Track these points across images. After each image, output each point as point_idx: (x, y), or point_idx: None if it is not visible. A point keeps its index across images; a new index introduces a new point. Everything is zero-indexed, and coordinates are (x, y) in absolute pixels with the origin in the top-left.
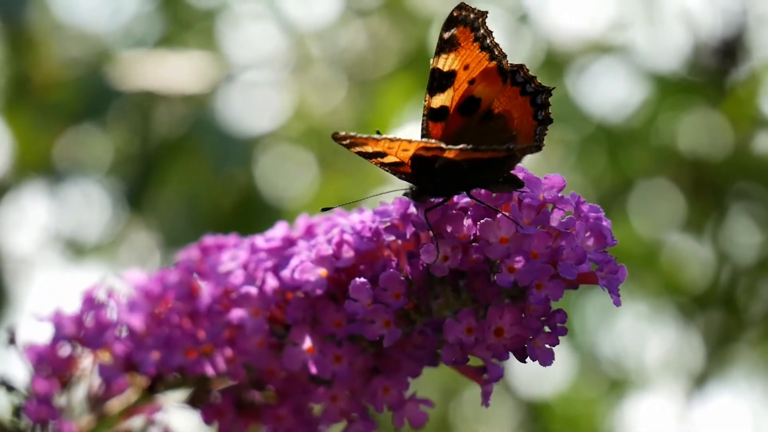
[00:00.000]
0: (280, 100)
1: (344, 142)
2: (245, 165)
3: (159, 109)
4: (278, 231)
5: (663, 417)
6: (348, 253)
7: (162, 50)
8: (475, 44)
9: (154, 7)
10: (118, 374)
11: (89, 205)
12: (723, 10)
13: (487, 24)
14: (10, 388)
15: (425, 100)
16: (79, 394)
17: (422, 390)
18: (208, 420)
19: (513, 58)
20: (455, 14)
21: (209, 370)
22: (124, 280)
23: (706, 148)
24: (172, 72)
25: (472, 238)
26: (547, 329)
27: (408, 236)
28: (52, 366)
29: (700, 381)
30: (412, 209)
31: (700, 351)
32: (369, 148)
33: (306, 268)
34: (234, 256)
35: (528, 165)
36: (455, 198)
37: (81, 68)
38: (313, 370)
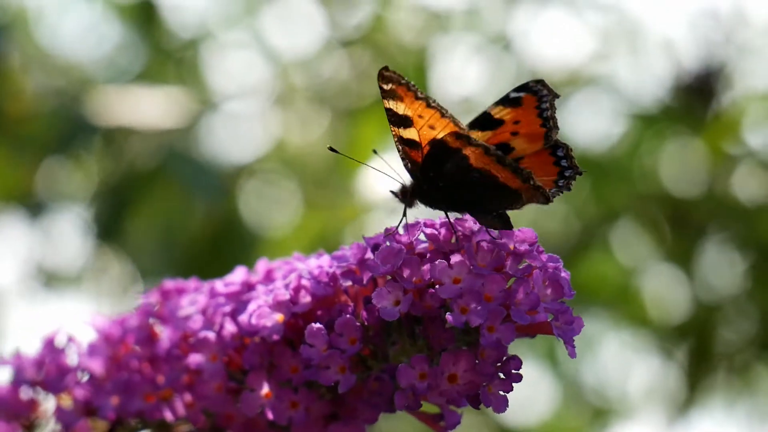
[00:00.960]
0: (263, 131)
1: (385, 86)
2: (221, 197)
3: (135, 142)
4: (237, 275)
5: None
6: (305, 298)
7: (142, 82)
8: (534, 111)
9: (136, 36)
10: (77, 419)
11: (65, 236)
12: (705, 40)
13: (554, 105)
14: None
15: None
16: None
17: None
18: None
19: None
20: (531, 85)
21: (168, 415)
22: (87, 324)
23: (686, 180)
24: (149, 107)
25: (427, 283)
26: (501, 375)
27: (365, 281)
28: (13, 409)
29: (682, 410)
30: (369, 255)
31: (681, 380)
32: (402, 106)
33: (263, 313)
34: (193, 300)
35: None
36: (414, 241)
37: (57, 100)
38: (270, 416)
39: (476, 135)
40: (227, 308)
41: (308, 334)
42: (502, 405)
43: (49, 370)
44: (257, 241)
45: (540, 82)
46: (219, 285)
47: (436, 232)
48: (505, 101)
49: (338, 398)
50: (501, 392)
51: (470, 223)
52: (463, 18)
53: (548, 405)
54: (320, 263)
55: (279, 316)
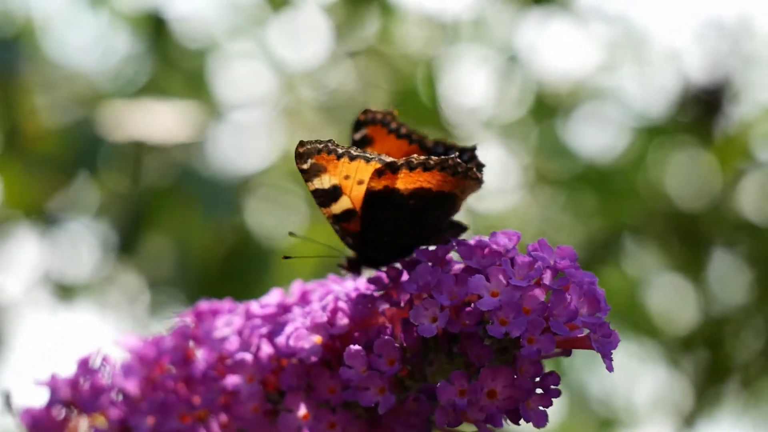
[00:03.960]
0: (270, 141)
1: (304, 165)
2: (233, 213)
3: (148, 157)
4: (273, 297)
5: None
6: (342, 320)
7: (150, 93)
8: (390, 135)
9: (144, 47)
10: None
11: (79, 248)
12: (711, 51)
13: (397, 119)
14: None
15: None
16: None
17: None
18: None
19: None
20: (362, 118)
21: None
22: (120, 345)
23: (693, 192)
24: (160, 121)
25: (463, 299)
26: (539, 391)
27: (402, 304)
28: (47, 429)
29: (689, 420)
30: (406, 276)
31: (688, 391)
32: (327, 177)
33: (301, 335)
34: (229, 321)
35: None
36: (449, 260)
37: (70, 116)
38: None
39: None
40: (264, 330)
41: (347, 355)
42: (542, 420)
43: (84, 390)
44: (269, 255)
45: (367, 111)
46: (255, 306)
47: (469, 251)
48: (356, 146)
49: (375, 419)
50: (540, 407)
51: (503, 239)
52: (470, 29)
53: (555, 415)
54: (357, 285)
55: (317, 338)
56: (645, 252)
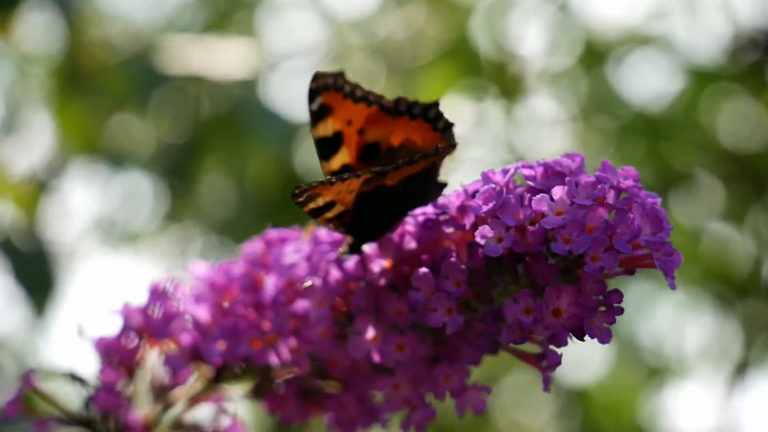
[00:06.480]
0: None
1: (299, 199)
2: (290, 142)
3: (205, 93)
4: None
5: (703, 405)
6: (410, 243)
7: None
8: (347, 100)
9: None
10: (184, 364)
11: (134, 190)
12: None
13: (349, 81)
14: (78, 380)
15: (322, 168)
16: (144, 384)
17: None
18: (272, 409)
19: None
20: (313, 86)
21: (274, 360)
22: (189, 273)
23: (746, 138)
24: (218, 57)
25: (528, 219)
26: (603, 308)
27: (467, 227)
28: (119, 357)
29: (740, 370)
30: (469, 201)
31: (739, 340)
32: (321, 200)
33: (370, 259)
34: (297, 248)
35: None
36: (510, 184)
37: (127, 53)
38: (377, 358)
39: (338, 158)
40: (332, 255)
41: (415, 278)
42: (606, 336)
43: (155, 317)
44: None
45: (317, 77)
46: (322, 233)
47: (534, 173)
48: (316, 117)
49: (440, 341)
50: (604, 324)
51: (567, 160)
52: None
53: (603, 364)
54: (423, 210)
55: (386, 262)
56: (696, 199)
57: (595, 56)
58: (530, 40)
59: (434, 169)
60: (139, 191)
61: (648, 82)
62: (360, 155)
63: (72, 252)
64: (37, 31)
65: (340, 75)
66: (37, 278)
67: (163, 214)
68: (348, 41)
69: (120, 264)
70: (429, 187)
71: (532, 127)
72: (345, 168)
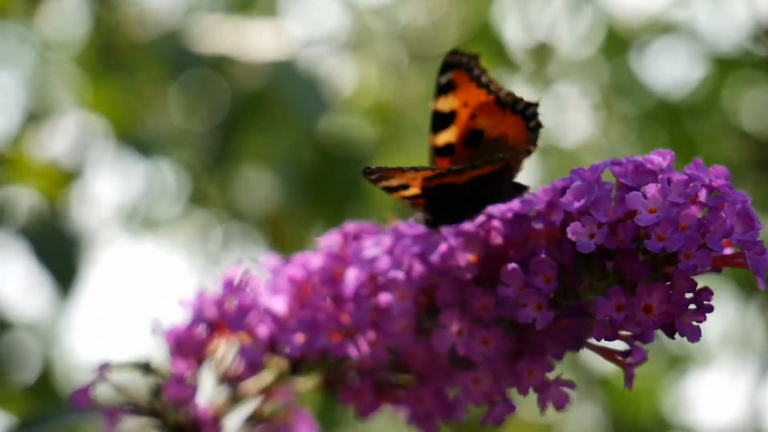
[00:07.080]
0: (343, 76)
1: (372, 177)
2: (328, 113)
3: (238, 73)
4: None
5: (726, 393)
6: (496, 239)
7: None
8: (471, 83)
9: None
10: (260, 356)
11: (159, 176)
12: None
13: (480, 65)
14: (148, 370)
15: (430, 140)
16: (214, 376)
17: None
18: (346, 401)
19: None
20: (449, 60)
21: (353, 352)
22: (263, 266)
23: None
24: (248, 38)
25: (619, 217)
26: (693, 306)
27: (557, 223)
28: (190, 348)
29: (762, 357)
30: (557, 198)
31: (761, 327)
32: (394, 182)
33: (455, 253)
34: (378, 241)
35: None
36: (599, 179)
37: (157, 33)
38: (462, 351)
39: (444, 136)
40: (415, 249)
41: (504, 273)
42: (696, 334)
43: (230, 308)
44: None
45: (455, 53)
46: (403, 226)
47: (624, 170)
48: (441, 90)
49: (523, 335)
50: (694, 322)
51: (657, 158)
52: None
53: None
54: (510, 206)
55: (471, 256)
56: None
57: (618, 44)
58: (553, 27)
59: (508, 170)
60: (164, 176)
61: (670, 70)
62: (465, 139)
63: (96, 237)
64: (65, 13)
65: (474, 57)
66: (62, 262)
67: (187, 199)
68: (370, 28)
69: (143, 250)
70: (503, 187)
71: (555, 114)
72: (448, 146)
